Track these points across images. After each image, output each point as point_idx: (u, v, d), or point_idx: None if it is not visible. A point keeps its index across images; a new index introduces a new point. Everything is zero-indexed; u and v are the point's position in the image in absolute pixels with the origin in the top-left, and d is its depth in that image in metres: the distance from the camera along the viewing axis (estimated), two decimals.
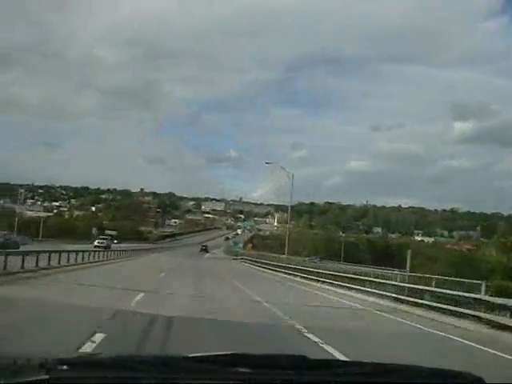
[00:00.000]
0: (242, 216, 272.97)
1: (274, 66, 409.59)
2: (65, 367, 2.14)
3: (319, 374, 2.42)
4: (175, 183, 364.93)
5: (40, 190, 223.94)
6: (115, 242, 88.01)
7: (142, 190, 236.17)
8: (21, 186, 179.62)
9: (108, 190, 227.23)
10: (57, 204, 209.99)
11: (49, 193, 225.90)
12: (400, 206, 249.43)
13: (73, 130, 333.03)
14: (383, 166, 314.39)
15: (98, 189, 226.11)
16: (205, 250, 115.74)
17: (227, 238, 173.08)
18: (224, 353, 2.40)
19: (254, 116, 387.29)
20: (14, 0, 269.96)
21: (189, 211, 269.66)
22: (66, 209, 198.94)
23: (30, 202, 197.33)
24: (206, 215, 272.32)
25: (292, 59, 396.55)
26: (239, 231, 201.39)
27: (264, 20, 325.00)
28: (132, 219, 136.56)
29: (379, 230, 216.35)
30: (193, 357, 2.34)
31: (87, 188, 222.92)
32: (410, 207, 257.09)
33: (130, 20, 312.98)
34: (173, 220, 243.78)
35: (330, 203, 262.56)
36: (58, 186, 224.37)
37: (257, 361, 2.50)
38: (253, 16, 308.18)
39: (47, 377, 2.05)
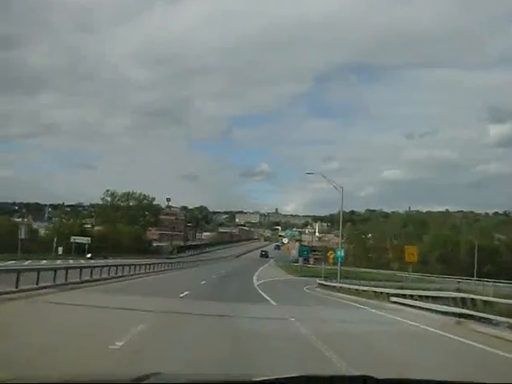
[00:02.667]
0: (279, 227, 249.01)
1: (304, 78, 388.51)
2: None
3: None
4: (208, 198, 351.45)
5: (67, 209, 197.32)
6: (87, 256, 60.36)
7: (168, 204, 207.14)
8: (50, 205, 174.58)
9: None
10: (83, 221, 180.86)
11: (75, 211, 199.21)
12: (447, 210, 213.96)
13: (106, 150, 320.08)
14: (418, 173, 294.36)
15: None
16: (265, 255, 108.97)
17: (277, 247, 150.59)
18: (294, 375, 2.27)
19: (285, 129, 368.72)
20: (46, 24, 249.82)
21: (222, 225, 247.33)
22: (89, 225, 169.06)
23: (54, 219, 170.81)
24: (241, 227, 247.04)
25: (322, 70, 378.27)
26: (285, 240, 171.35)
27: (293, 32, 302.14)
28: (137, 225, 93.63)
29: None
30: (258, 381, 2.18)
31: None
32: (460, 211, 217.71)
33: (159, 38, 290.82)
34: (204, 233, 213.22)
35: (372, 211, 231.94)
36: (88, 204, 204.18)
37: (326, 382, 2.38)
38: (282, 28, 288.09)
39: None
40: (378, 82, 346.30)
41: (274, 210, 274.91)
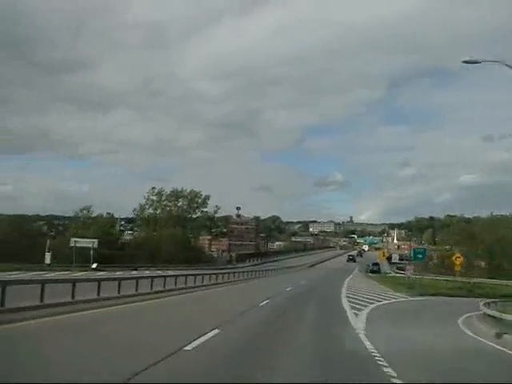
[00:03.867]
0: (355, 236, 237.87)
1: (376, 84, 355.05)
2: None
3: None
4: (281, 208, 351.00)
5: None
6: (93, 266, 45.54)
7: (238, 213, 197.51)
8: (124, 219, 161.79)
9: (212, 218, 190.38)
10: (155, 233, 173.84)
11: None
12: None
13: (180, 163, 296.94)
14: (498, 177, 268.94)
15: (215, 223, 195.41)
16: (352, 259, 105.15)
17: (359, 253, 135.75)
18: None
19: (358, 136, 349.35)
20: (116, 43, 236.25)
21: (295, 234, 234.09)
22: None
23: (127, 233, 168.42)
24: (315, 236, 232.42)
25: (394, 75, 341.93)
26: (365, 247, 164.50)
27: (364, 37, 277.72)
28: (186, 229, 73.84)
29: None
30: None
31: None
32: None
33: (228, 51, 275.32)
34: (276, 243, 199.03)
35: (452, 216, 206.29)
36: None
37: None
38: (352, 34, 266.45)
39: None
40: (453, 85, 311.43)
41: (348, 219, 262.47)
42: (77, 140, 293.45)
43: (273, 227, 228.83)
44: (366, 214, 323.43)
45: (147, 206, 78.13)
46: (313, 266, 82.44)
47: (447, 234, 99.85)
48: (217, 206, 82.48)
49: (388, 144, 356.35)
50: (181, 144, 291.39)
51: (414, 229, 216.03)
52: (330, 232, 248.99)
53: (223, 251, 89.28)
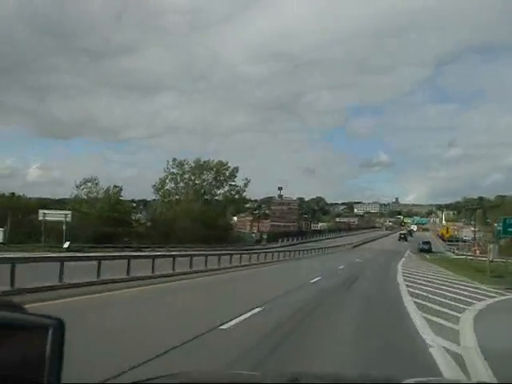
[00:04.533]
0: (401, 216, 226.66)
1: (423, 63, 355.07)
2: None
3: None
4: (325, 190, 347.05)
5: None
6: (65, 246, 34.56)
7: (280, 193, 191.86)
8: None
9: (254, 200, 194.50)
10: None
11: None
12: None
13: (225, 146, 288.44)
14: None
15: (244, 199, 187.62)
16: (404, 238, 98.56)
17: (409, 233, 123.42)
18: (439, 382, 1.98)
19: (404, 116, 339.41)
20: (160, 28, 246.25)
21: (339, 215, 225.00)
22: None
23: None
24: (360, 217, 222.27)
25: (442, 52, 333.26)
26: (413, 227, 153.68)
27: (411, 16, 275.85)
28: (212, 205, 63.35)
29: None
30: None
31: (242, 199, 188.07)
32: None
33: (272, 32, 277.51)
34: (320, 224, 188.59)
35: (503, 196, 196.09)
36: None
37: None
38: (400, 13, 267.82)
39: None
40: (502, 61, 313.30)
41: (394, 200, 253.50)
42: (122, 124, 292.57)
43: (317, 208, 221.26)
44: (412, 195, 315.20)
45: (167, 181, 67.83)
46: (357, 246, 71.12)
47: None
48: (247, 179, 71.13)
49: (434, 123, 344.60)
50: (225, 127, 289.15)
51: (463, 210, 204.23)
52: (375, 213, 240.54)
53: (261, 232, 78.47)
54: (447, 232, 43.83)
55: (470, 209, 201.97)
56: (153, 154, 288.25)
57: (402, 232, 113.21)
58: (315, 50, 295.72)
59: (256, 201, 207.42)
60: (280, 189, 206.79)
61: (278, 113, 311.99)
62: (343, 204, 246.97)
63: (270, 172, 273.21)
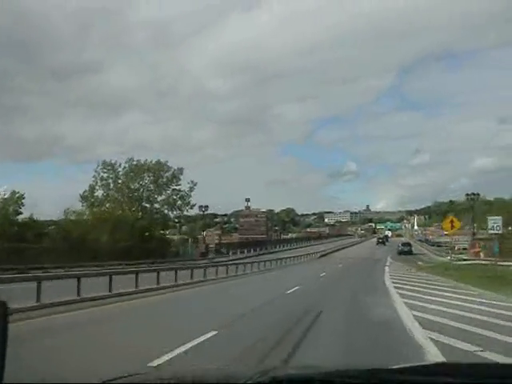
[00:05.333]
0: (372, 224, 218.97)
1: (386, 72, 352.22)
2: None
3: None
4: (296, 201, 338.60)
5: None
6: None
7: (247, 205, 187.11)
8: None
9: (224, 214, 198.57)
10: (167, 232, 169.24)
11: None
12: None
13: (192, 162, 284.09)
14: None
15: (214, 214, 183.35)
16: (382, 242, 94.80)
17: (385, 238, 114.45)
18: (423, 363, 2.30)
19: (370, 125, 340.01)
20: (124, 44, 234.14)
21: (310, 225, 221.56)
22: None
23: None
24: (331, 226, 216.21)
25: (404, 61, 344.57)
26: (388, 233, 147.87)
27: (372, 25, 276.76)
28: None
29: None
30: (395, 369, 2.03)
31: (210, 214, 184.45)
32: None
33: (236, 46, 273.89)
34: (290, 234, 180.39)
35: (472, 199, 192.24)
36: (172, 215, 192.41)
37: (460, 369, 2.17)
38: (360, 23, 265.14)
39: None
40: (464, 68, 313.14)
41: (364, 208, 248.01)
42: (89, 144, 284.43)
43: (287, 220, 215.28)
44: (382, 202, 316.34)
45: (98, 187, 55.25)
46: (325, 255, 59.24)
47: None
48: (192, 182, 58.74)
49: (400, 131, 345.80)
50: (193, 143, 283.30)
51: (434, 214, 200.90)
52: (346, 222, 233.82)
53: (207, 244, 65.94)
54: (452, 226, 29.28)
55: (440, 213, 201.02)
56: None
57: (379, 237, 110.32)
58: (280, 62, 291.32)
59: (225, 215, 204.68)
60: (247, 200, 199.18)
61: (246, 126, 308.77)
62: (314, 214, 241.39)
63: (239, 186, 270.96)
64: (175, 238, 74.82)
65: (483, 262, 32.44)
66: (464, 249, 60.91)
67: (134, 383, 2.11)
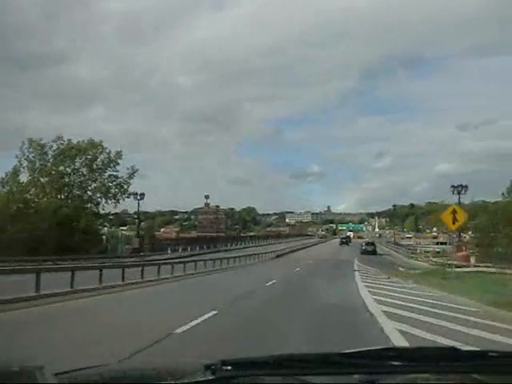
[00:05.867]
0: (333, 225, 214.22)
1: (352, 74, 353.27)
2: (229, 367, 1.93)
3: (472, 366, 2.02)
4: (258, 201, 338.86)
5: (110, 217, 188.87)
6: None
7: (206, 202, 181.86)
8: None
9: (184, 211, 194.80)
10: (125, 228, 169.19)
11: (118, 219, 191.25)
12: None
13: (156, 158, 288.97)
14: (473, 165, 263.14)
15: (172, 211, 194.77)
16: (345, 242, 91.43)
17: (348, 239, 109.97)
18: (375, 348, 2.16)
19: (335, 127, 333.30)
20: (92, 36, 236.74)
21: (271, 225, 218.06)
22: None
23: None
24: (292, 226, 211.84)
25: (370, 65, 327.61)
26: (349, 233, 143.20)
27: (340, 26, 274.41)
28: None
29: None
30: (347, 353, 2.08)
31: (171, 211, 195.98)
32: None
33: (204, 43, 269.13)
34: (250, 233, 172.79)
35: (432, 203, 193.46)
36: (132, 212, 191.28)
37: (408, 353, 2.22)
38: (329, 24, 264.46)
39: (213, 377, 1.89)
40: (429, 74, 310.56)
41: (326, 209, 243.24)
42: (49, 136, 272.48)
43: (248, 219, 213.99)
44: (344, 204, 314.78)
45: (22, 169, 46.77)
46: (282, 255, 52.07)
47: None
48: (133, 168, 50.69)
49: (364, 135, 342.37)
50: (157, 138, 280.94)
51: (395, 217, 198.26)
52: (307, 222, 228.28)
53: (141, 238, 57.47)
54: (455, 220, 22.34)
55: (400, 216, 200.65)
56: None
57: (342, 236, 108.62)
58: (245, 61, 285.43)
59: (186, 212, 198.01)
60: (207, 197, 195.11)
61: (210, 124, 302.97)
62: (275, 214, 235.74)
63: (201, 183, 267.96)
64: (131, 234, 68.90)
65: (486, 270, 25.50)
66: (427, 252, 55.57)
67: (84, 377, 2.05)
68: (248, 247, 63.27)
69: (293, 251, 60.19)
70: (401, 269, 34.31)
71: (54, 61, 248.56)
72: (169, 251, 46.17)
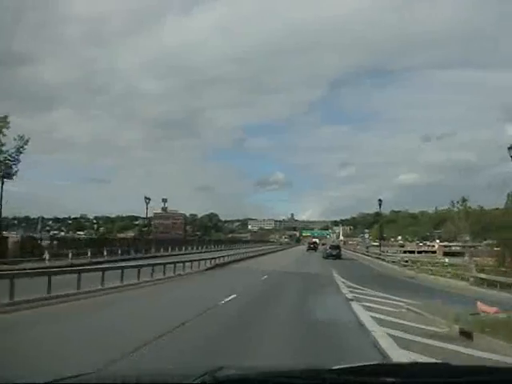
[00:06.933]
0: (296, 232, 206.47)
1: (318, 84, 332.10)
2: None
3: (464, 382, 2.03)
4: (221, 207, 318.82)
5: (69, 221, 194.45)
6: None
7: (164, 206, 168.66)
8: (53, 219, 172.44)
9: (146, 217, 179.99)
10: (81, 233, 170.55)
11: (77, 223, 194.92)
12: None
13: (120, 163, 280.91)
14: (435, 176, 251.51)
15: (134, 216, 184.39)
16: (313, 248, 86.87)
17: (314, 245, 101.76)
18: (369, 363, 2.10)
19: (300, 136, 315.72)
20: (57, 38, 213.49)
21: (233, 232, 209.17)
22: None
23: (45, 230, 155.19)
24: (254, 233, 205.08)
25: (336, 75, 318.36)
26: (316, 240, 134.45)
27: (306, 37, 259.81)
28: None
29: (467, 237, 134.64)
30: (337, 369, 2.01)
31: (132, 216, 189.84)
32: (496, 209, 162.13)
33: (171, 49, 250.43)
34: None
35: (397, 212, 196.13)
36: (92, 217, 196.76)
37: (400, 369, 2.16)
38: (296, 34, 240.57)
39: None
40: (393, 85, 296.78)
41: (289, 216, 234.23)
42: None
43: (210, 225, 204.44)
44: (308, 211, 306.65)
45: None
46: (224, 265, 34.89)
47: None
48: (21, 138, 35.39)
49: (329, 144, 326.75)
50: (122, 143, 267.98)
51: (359, 225, 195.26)
52: (270, 229, 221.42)
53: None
54: None
55: (364, 224, 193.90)
56: (47, 170, 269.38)
57: (310, 242, 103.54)
58: (214, 67, 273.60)
59: (146, 218, 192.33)
60: (164, 201, 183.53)
61: (177, 130, 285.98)
62: (238, 221, 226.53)
63: (165, 189, 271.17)
64: None
65: None
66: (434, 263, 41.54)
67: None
68: (184, 254, 46.69)
69: (242, 259, 44.13)
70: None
71: (17, 62, 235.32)
72: (70, 256, 30.58)
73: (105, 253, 38.27)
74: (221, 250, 58.65)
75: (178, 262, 26.30)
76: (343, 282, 25.76)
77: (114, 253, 41.10)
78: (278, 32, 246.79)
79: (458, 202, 79.60)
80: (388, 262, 42.48)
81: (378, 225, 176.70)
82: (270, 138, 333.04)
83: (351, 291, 20.94)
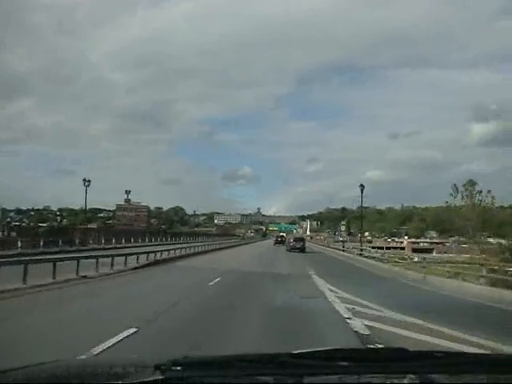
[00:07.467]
0: (262, 227, 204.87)
1: (287, 79, 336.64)
2: (179, 368, 1.88)
3: (420, 366, 2.03)
4: (188, 201, 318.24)
5: (31, 213, 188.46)
6: None
7: (127, 198, 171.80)
8: (14, 210, 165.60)
9: (109, 210, 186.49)
10: (44, 225, 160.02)
11: (39, 215, 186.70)
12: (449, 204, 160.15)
13: (87, 155, 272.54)
14: (402, 173, 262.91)
15: (98, 209, 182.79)
16: (281, 242, 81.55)
17: (282, 239, 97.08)
18: (325, 348, 2.11)
19: (268, 131, 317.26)
20: (24, 25, 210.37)
21: (199, 225, 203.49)
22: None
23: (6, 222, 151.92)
24: (220, 227, 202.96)
25: (305, 71, 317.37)
26: (283, 234, 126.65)
27: (276, 31, 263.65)
28: None
29: (434, 234, 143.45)
30: (297, 353, 2.05)
31: (96, 209, 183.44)
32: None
33: (140, 40, 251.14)
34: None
35: (365, 207, 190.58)
36: (55, 209, 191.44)
37: (357, 354, 2.20)
38: (265, 28, 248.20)
39: (162, 377, 1.82)
40: (362, 83, 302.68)
41: (256, 211, 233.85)
42: None
43: (176, 219, 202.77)
44: (275, 207, 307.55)
45: None
46: (162, 263, 26.75)
47: None
48: None
49: (297, 139, 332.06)
50: (90, 135, 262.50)
51: (326, 220, 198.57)
52: (236, 223, 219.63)
53: None
54: None
55: (331, 219, 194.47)
56: (9, 160, 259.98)
57: (278, 235, 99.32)
58: (183, 60, 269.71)
59: (110, 211, 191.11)
60: (128, 192, 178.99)
61: (144, 122, 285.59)
62: (204, 215, 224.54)
63: (131, 182, 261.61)
64: None
65: None
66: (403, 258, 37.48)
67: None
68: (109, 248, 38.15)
69: (196, 254, 37.17)
70: None
71: None
72: None
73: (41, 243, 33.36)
74: (175, 243, 52.72)
75: (105, 256, 20.62)
76: (333, 292, 15.99)
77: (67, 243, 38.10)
78: (249, 26, 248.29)
79: (463, 186, 59.49)
80: (367, 257, 37.87)
81: (344, 220, 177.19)
82: (239, 133, 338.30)
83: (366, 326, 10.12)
